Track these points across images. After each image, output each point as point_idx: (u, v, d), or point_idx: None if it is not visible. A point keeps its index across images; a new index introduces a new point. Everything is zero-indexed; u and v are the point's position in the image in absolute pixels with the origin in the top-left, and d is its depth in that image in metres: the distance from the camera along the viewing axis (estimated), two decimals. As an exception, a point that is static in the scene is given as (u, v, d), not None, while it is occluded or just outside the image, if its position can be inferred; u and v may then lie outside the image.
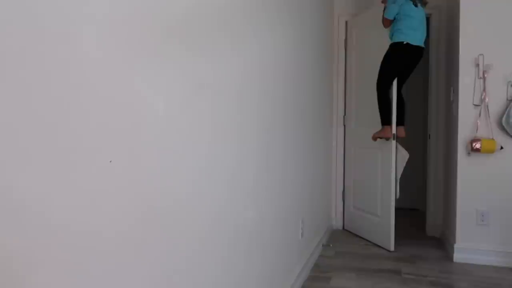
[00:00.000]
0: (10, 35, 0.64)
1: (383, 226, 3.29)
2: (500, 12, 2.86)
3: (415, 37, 3.04)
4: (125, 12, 0.91)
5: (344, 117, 3.87)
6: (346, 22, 3.82)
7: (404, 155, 3.21)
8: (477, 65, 2.89)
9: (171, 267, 1.12)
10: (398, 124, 3.19)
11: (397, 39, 3.07)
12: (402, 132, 3.24)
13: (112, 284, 0.89)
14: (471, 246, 2.95)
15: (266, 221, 1.94)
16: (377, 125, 3.30)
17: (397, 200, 3.27)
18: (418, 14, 3.06)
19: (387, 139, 3.19)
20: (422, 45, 3.08)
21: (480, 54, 2.88)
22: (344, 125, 3.87)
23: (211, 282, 1.37)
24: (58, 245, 0.74)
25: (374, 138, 3.26)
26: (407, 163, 3.23)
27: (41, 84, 0.70)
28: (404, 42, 3.03)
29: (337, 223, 3.92)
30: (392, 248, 3.20)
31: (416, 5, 3.06)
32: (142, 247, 0.99)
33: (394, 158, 3.18)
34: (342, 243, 3.47)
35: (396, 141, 3.20)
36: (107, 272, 0.87)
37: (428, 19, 3.59)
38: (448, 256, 3.08)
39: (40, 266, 0.71)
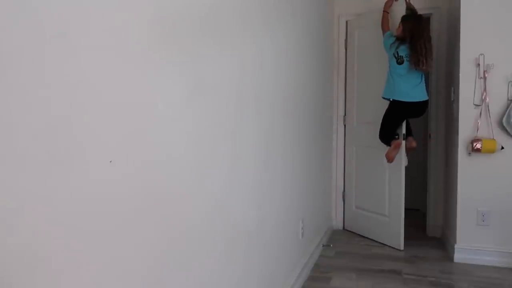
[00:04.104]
0: (11, 34, 0.64)
1: (392, 225, 3.30)
2: (500, 12, 2.86)
3: (408, 95, 2.99)
4: (126, 12, 0.91)
5: (344, 116, 3.87)
6: (347, 22, 3.82)
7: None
8: (478, 65, 2.88)
9: (171, 266, 1.11)
10: (408, 135, 3.22)
11: (387, 95, 3.09)
12: (413, 143, 3.24)
13: (110, 280, 0.89)
14: (471, 246, 2.95)
15: (266, 221, 1.94)
16: (378, 124, 3.31)
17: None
18: (405, 70, 2.99)
19: (399, 147, 3.17)
20: (419, 100, 3.00)
21: (481, 54, 2.87)
22: (345, 125, 3.87)
23: (211, 282, 1.36)
24: (58, 245, 0.74)
25: (392, 159, 3.18)
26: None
27: (42, 84, 0.70)
28: (396, 100, 3.03)
29: (338, 223, 3.92)
30: (402, 247, 3.22)
31: (399, 63, 3.00)
32: (140, 246, 0.98)
33: (404, 158, 3.19)
34: (343, 243, 3.46)
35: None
36: (104, 269, 0.87)
37: (428, 19, 3.59)
38: (449, 256, 3.07)
39: (40, 266, 0.70)
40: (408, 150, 3.24)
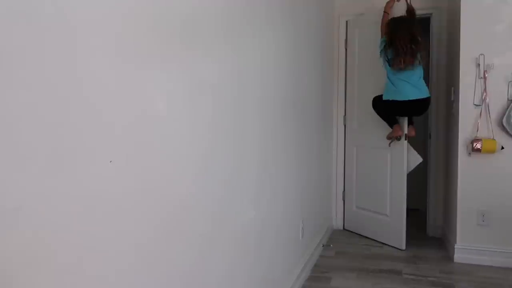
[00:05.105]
0: (12, 35, 0.64)
1: (394, 225, 3.31)
2: (500, 12, 2.86)
3: (401, 94, 3.00)
4: (127, 12, 0.91)
5: (344, 116, 3.87)
6: (347, 22, 3.82)
7: (417, 159, 3.22)
8: (478, 65, 2.88)
9: (171, 267, 1.12)
10: (408, 124, 3.24)
11: (387, 98, 3.09)
12: (412, 131, 3.27)
13: (110, 279, 0.89)
14: (471, 246, 2.95)
15: (266, 222, 1.94)
16: (379, 125, 3.30)
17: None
18: (396, 71, 3.01)
19: (398, 138, 3.21)
20: (413, 98, 2.99)
21: (481, 54, 2.87)
22: (345, 125, 3.87)
23: (211, 282, 1.36)
24: (58, 245, 0.74)
25: (389, 138, 3.26)
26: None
27: (43, 84, 0.70)
28: (390, 99, 3.06)
29: (338, 223, 3.92)
30: (403, 247, 3.23)
31: (390, 66, 3.03)
32: (140, 246, 0.98)
33: (406, 158, 3.19)
34: (343, 243, 3.46)
35: (408, 142, 3.21)
36: (104, 268, 0.87)
37: (428, 19, 3.59)
38: (449, 256, 3.07)
39: (40, 266, 0.70)
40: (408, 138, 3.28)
